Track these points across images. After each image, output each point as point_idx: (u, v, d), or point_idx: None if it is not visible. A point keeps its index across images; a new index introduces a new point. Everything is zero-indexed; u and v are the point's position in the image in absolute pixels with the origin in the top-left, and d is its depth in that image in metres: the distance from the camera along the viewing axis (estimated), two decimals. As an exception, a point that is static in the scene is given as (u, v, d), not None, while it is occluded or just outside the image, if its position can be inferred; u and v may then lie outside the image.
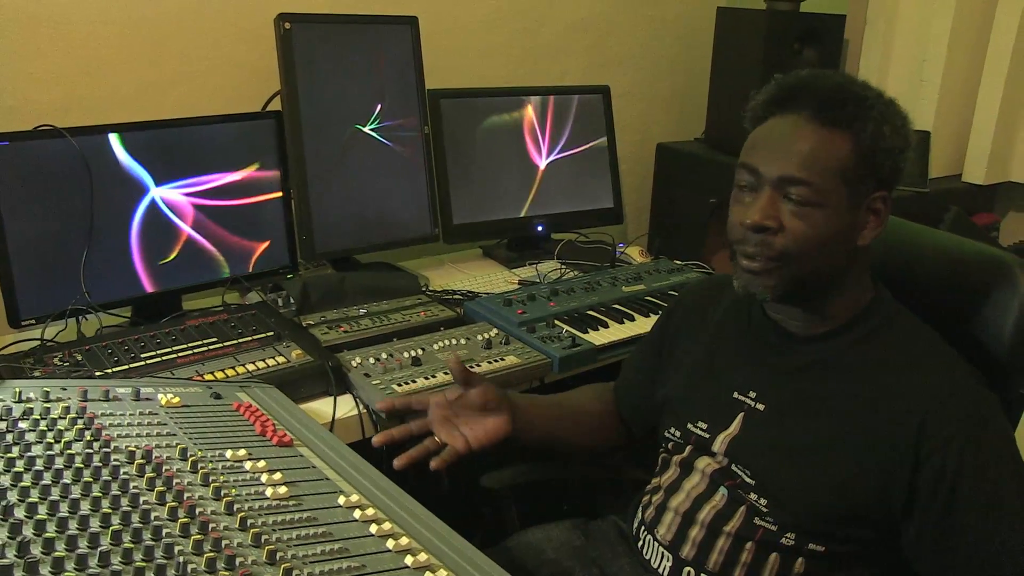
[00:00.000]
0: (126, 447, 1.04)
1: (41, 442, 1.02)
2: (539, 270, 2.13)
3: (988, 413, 1.08)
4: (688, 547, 1.21)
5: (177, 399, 1.24)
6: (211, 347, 1.52)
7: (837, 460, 1.11)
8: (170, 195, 1.72)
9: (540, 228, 2.29)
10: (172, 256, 1.73)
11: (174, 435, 1.12)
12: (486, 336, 1.69)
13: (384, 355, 1.58)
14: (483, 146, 2.19)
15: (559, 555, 1.36)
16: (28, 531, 0.82)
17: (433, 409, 1.35)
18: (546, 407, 1.45)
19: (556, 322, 1.78)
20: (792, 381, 1.19)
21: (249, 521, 0.91)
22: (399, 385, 1.48)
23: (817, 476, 1.11)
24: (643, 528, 1.30)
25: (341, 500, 1.01)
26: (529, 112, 2.25)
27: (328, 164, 1.91)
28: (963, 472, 1.04)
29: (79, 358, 1.45)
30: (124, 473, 0.97)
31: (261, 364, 1.48)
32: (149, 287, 1.71)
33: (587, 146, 2.35)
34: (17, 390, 1.16)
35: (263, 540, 0.88)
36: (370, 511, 0.99)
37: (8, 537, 0.80)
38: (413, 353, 1.59)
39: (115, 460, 1.00)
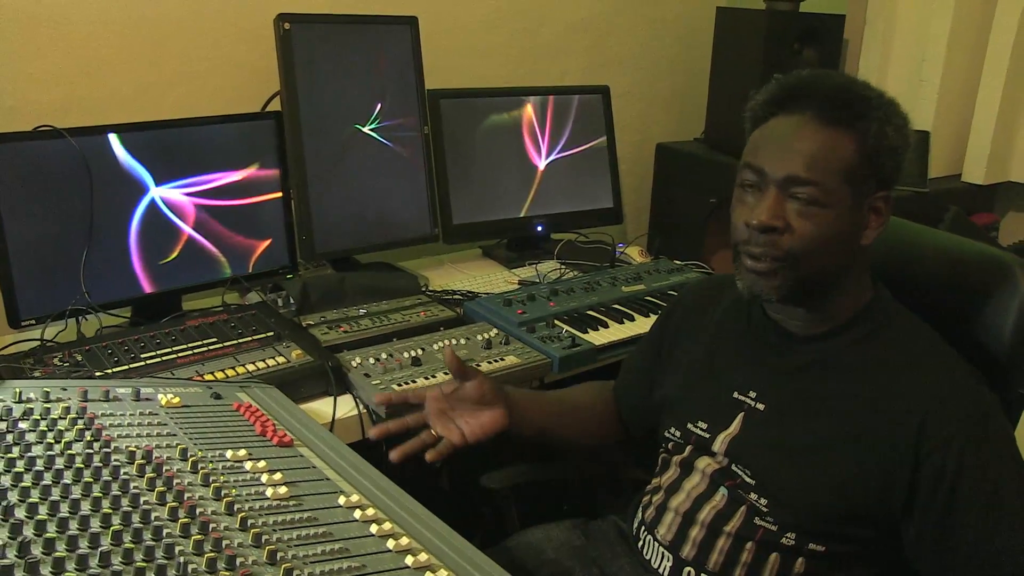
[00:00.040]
0: (126, 447, 1.05)
1: (41, 442, 1.02)
2: (539, 270, 2.13)
3: (988, 413, 1.08)
4: (688, 547, 1.21)
5: (177, 399, 1.24)
6: (211, 347, 1.52)
7: (837, 460, 1.11)
8: (170, 195, 1.72)
9: (540, 228, 2.29)
10: (172, 256, 1.73)
11: (174, 435, 1.12)
12: (486, 336, 1.69)
13: (384, 355, 1.58)
14: (483, 146, 2.19)
15: (559, 555, 1.37)
16: (29, 531, 0.82)
17: (429, 402, 1.35)
18: (543, 402, 1.45)
19: (556, 322, 1.78)
20: (792, 381, 1.19)
21: (249, 521, 0.91)
22: (399, 385, 1.49)
23: (817, 476, 1.11)
24: (643, 528, 1.30)
25: (341, 500, 1.01)
26: (529, 112, 2.25)
27: (328, 164, 1.91)
28: (963, 472, 1.04)
29: (79, 358, 1.45)
30: (124, 473, 0.97)
31: (261, 364, 1.48)
32: (149, 287, 1.71)
33: (587, 146, 2.35)
34: (17, 390, 1.16)
35: (263, 540, 0.88)
36: (370, 511, 0.99)
37: (9, 537, 0.80)
38: (413, 353, 1.60)
39: (115, 460, 1.00)
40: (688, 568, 1.20)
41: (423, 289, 1.94)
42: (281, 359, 1.50)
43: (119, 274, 1.67)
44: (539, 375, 1.64)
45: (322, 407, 1.46)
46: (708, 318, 1.35)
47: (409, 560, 0.89)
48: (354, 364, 1.54)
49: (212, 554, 0.83)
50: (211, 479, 0.99)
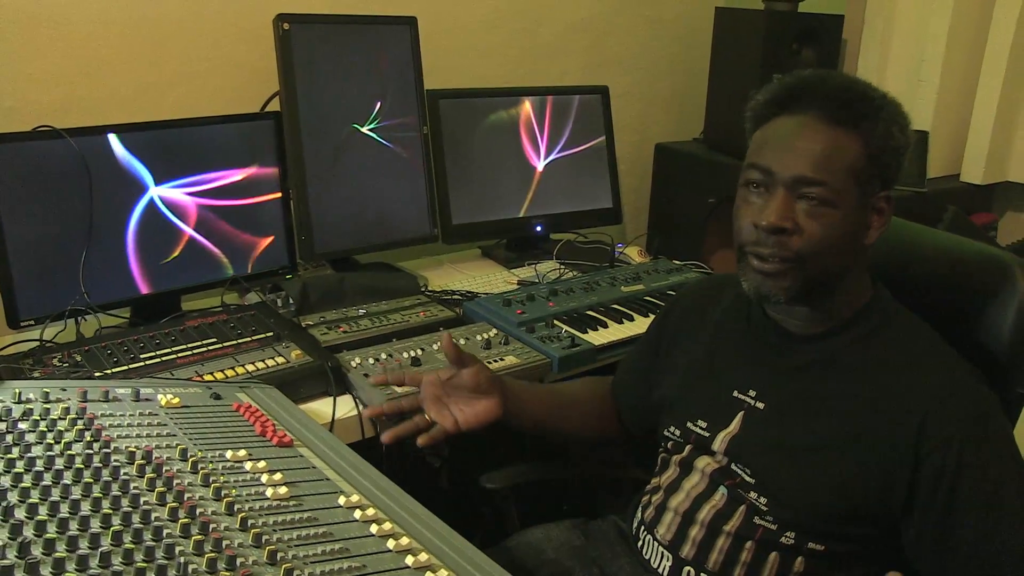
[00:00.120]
0: (126, 448, 1.05)
1: (41, 443, 1.02)
2: (538, 270, 2.13)
3: (988, 412, 1.09)
4: (688, 547, 1.21)
5: (177, 400, 1.24)
6: (210, 348, 1.52)
7: (837, 459, 1.11)
8: (169, 195, 1.71)
9: (539, 228, 2.29)
10: (171, 257, 1.73)
11: (174, 436, 1.12)
12: (485, 336, 1.69)
13: (383, 355, 1.58)
14: (482, 146, 2.19)
15: (559, 555, 1.37)
16: (29, 532, 0.82)
17: (425, 387, 1.36)
18: (540, 394, 1.46)
19: (555, 322, 1.78)
20: (792, 380, 1.19)
21: (250, 521, 0.91)
22: (399, 385, 1.48)
23: (817, 475, 1.12)
24: (643, 528, 1.30)
25: (341, 500, 1.01)
26: (528, 112, 2.25)
27: (327, 164, 1.91)
28: (963, 471, 1.04)
29: (78, 359, 1.45)
30: (124, 474, 0.97)
31: (261, 364, 1.48)
32: (148, 288, 1.71)
33: (586, 146, 2.35)
34: (17, 391, 1.16)
35: (264, 540, 0.88)
36: (370, 511, 0.99)
37: (9, 538, 0.80)
38: (412, 353, 1.60)
39: (115, 461, 1.00)
40: (688, 568, 1.20)
41: (422, 289, 1.94)
42: (281, 359, 1.50)
43: (118, 274, 1.67)
44: (539, 375, 1.64)
45: (322, 407, 1.46)
46: (707, 318, 1.36)
47: (409, 560, 0.90)
48: (354, 364, 1.54)
49: (212, 554, 0.83)
50: (211, 479, 0.99)
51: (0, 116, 1.70)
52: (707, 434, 1.24)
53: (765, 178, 1.12)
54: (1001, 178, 2.44)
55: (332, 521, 0.96)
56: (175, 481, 0.98)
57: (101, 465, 0.98)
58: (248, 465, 1.06)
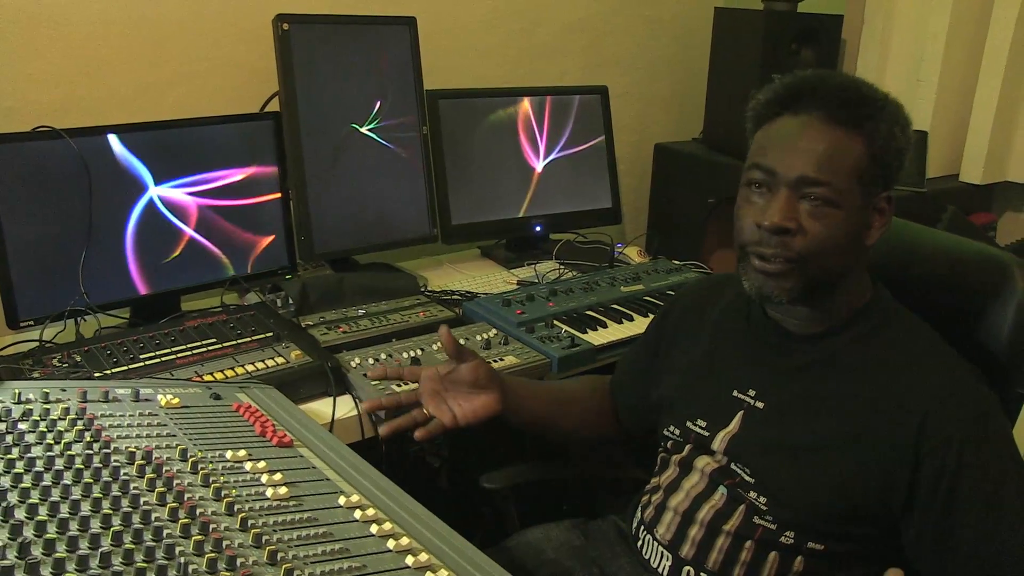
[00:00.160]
0: (126, 448, 1.05)
1: (41, 443, 1.02)
2: (537, 270, 2.13)
3: (988, 412, 1.09)
4: (687, 546, 1.21)
5: (177, 400, 1.24)
6: (210, 348, 1.52)
7: (837, 459, 1.11)
8: (168, 195, 1.71)
9: (538, 228, 2.29)
10: (171, 257, 1.73)
11: (174, 436, 1.12)
12: (485, 336, 1.69)
13: (383, 355, 1.58)
14: (481, 146, 2.19)
15: (559, 555, 1.37)
16: (29, 532, 0.82)
17: (424, 382, 1.36)
18: (539, 391, 1.46)
19: (555, 322, 1.78)
20: (792, 380, 1.19)
21: (250, 522, 0.91)
22: (398, 385, 1.48)
23: (817, 475, 1.12)
24: (642, 528, 1.30)
25: (341, 500, 1.01)
26: (527, 112, 2.26)
27: (326, 165, 1.91)
28: (963, 471, 1.04)
29: (78, 359, 1.45)
30: (124, 474, 0.97)
31: (260, 365, 1.48)
32: (148, 288, 1.71)
33: (585, 146, 2.35)
34: (16, 391, 1.16)
35: (264, 541, 0.88)
36: (370, 511, 0.99)
37: (9, 538, 0.80)
38: (412, 353, 1.60)
39: (115, 461, 1.00)
40: (687, 567, 1.20)
41: (422, 289, 1.94)
42: (280, 360, 1.50)
43: (118, 275, 1.67)
44: (538, 375, 1.64)
45: (321, 407, 1.46)
46: (706, 317, 1.36)
47: (409, 560, 0.90)
48: (353, 364, 1.54)
49: (212, 554, 0.83)
50: (211, 479, 0.99)
51: (0, 116, 1.70)
52: (707, 434, 1.24)
53: (768, 178, 1.12)
54: (1000, 178, 2.44)
55: (332, 521, 0.96)
56: (175, 481, 0.98)
57: (101, 465, 0.98)
58: (248, 465, 1.06)
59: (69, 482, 0.93)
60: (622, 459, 1.75)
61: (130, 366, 1.44)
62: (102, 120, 1.65)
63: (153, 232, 1.70)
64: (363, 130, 1.97)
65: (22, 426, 1.06)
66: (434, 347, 1.63)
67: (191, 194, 1.74)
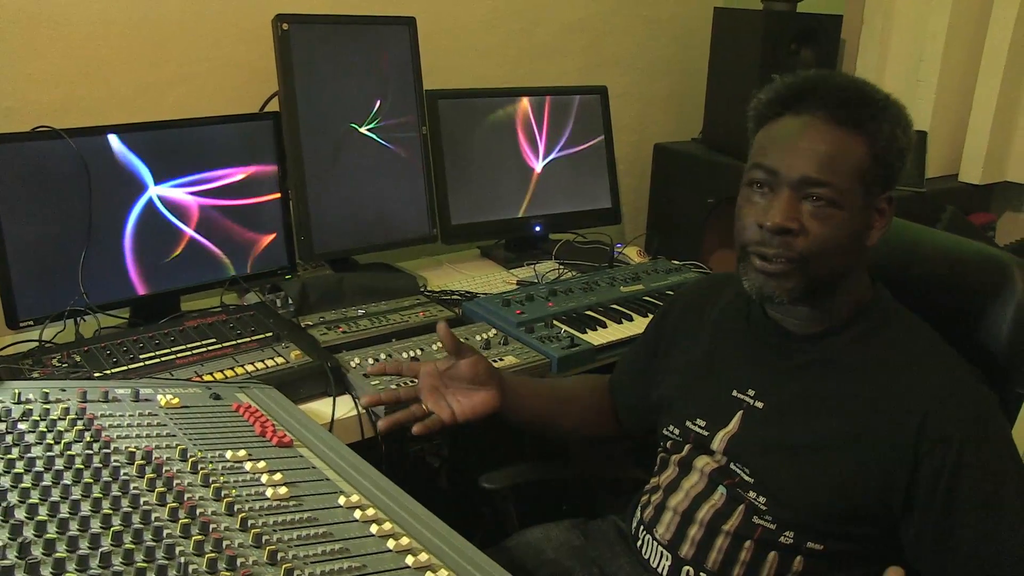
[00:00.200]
0: (126, 448, 1.05)
1: (41, 443, 1.02)
2: (537, 270, 2.13)
3: (988, 413, 1.09)
4: (687, 546, 1.21)
5: (176, 400, 1.24)
6: (210, 348, 1.52)
7: (837, 459, 1.11)
8: (168, 196, 1.72)
9: (538, 228, 2.29)
10: (171, 257, 1.73)
11: (174, 436, 1.12)
12: (485, 336, 1.69)
13: (383, 355, 1.58)
14: (481, 146, 2.19)
15: (559, 555, 1.37)
16: (29, 532, 0.82)
17: (422, 377, 1.36)
18: (538, 389, 1.46)
19: (554, 322, 1.78)
20: (792, 380, 1.19)
21: (250, 522, 0.91)
22: (398, 385, 1.48)
23: (816, 475, 1.12)
24: (642, 528, 1.30)
25: (341, 500, 1.01)
26: (527, 112, 2.26)
27: (326, 165, 1.91)
28: (962, 471, 1.04)
29: (78, 359, 1.45)
30: (124, 474, 0.97)
31: (260, 365, 1.48)
32: (147, 288, 1.71)
33: (585, 146, 2.36)
34: (16, 391, 1.16)
35: (264, 540, 0.88)
36: (370, 511, 0.99)
37: (9, 538, 0.80)
38: (412, 353, 1.60)
39: (115, 461, 1.00)
40: (687, 567, 1.20)
41: (422, 289, 1.94)
42: (280, 360, 1.50)
43: (117, 275, 1.67)
44: (538, 375, 1.64)
45: (321, 407, 1.46)
46: (706, 317, 1.36)
47: (409, 560, 0.90)
48: (353, 364, 1.54)
49: (213, 554, 0.83)
50: (211, 479, 0.99)
51: (0, 116, 1.70)
52: (706, 433, 1.24)
53: (770, 178, 1.12)
54: (999, 178, 2.44)
55: (332, 521, 0.96)
56: (175, 481, 0.98)
57: (101, 465, 0.98)
58: (248, 465, 1.06)
59: (69, 482, 0.93)
60: (622, 459, 1.75)
61: (130, 366, 1.44)
62: (102, 120, 1.65)
63: (153, 232, 1.70)
64: (363, 130, 1.97)
65: (22, 426, 1.06)
66: (434, 347, 1.63)
67: (191, 194, 1.74)
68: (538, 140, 2.28)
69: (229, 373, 1.44)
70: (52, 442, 1.03)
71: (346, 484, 1.06)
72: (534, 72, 2.49)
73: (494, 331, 1.72)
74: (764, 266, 1.13)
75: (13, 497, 0.88)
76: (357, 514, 0.98)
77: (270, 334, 1.59)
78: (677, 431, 1.29)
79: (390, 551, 0.92)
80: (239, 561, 0.83)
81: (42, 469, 0.95)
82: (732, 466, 1.20)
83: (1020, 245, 2.30)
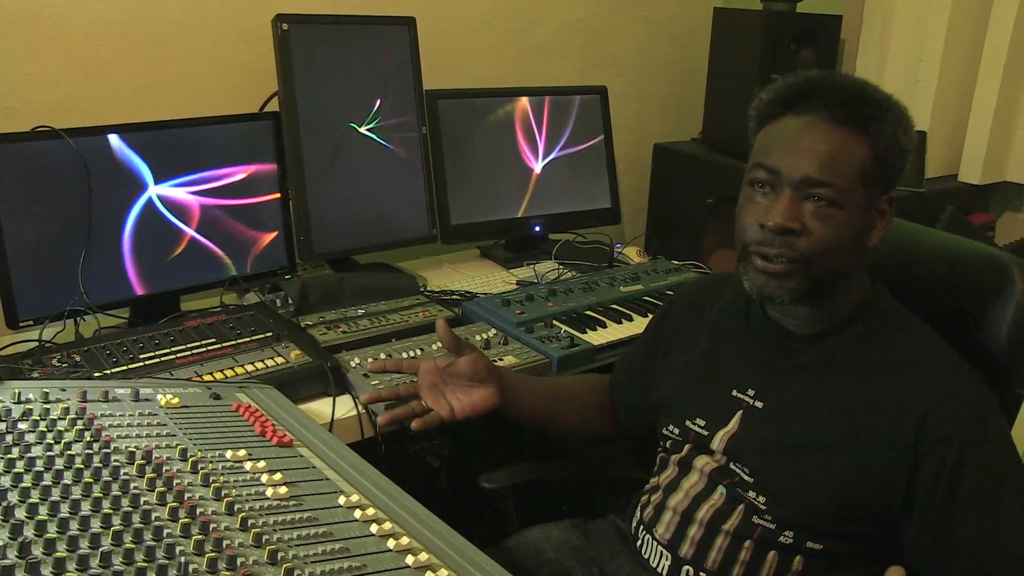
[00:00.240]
0: (126, 448, 1.05)
1: (41, 443, 1.02)
2: (537, 270, 2.13)
3: (988, 413, 1.09)
4: (687, 546, 1.21)
5: (176, 400, 1.24)
6: (210, 348, 1.52)
7: (836, 459, 1.11)
8: (168, 194, 1.72)
9: (538, 228, 2.29)
10: (171, 257, 1.73)
11: (174, 436, 1.12)
12: (484, 336, 1.69)
13: (383, 355, 1.58)
14: (481, 146, 2.19)
15: (559, 555, 1.37)
16: (29, 532, 0.82)
17: (422, 374, 1.37)
18: (538, 387, 1.47)
19: (554, 322, 1.78)
20: (791, 379, 1.19)
21: (250, 521, 0.91)
22: (397, 385, 1.48)
23: (816, 475, 1.12)
24: (642, 527, 1.30)
25: (341, 500, 1.01)
26: (526, 112, 2.26)
27: (326, 165, 1.91)
28: (962, 471, 1.04)
29: (78, 359, 1.45)
30: (124, 474, 0.97)
31: (260, 365, 1.48)
32: (147, 288, 1.71)
33: (584, 146, 2.36)
34: (16, 391, 1.16)
35: (264, 540, 0.88)
36: (370, 511, 0.99)
37: (9, 538, 0.80)
38: (412, 353, 1.60)
39: (115, 461, 1.00)
40: (687, 567, 1.20)
41: (421, 289, 1.94)
42: (280, 359, 1.50)
43: (117, 275, 1.67)
44: (538, 375, 1.64)
45: (321, 407, 1.46)
46: (706, 317, 1.36)
47: (409, 559, 0.90)
48: (353, 364, 1.54)
49: (213, 554, 0.83)
50: (211, 479, 0.99)
51: (0, 116, 1.70)
52: (706, 433, 1.24)
53: (771, 178, 1.12)
54: (999, 178, 2.45)
55: (332, 521, 0.96)
56: (175, 481, 0.98)
57: (101, 465, 0.98)
58: (248, 465, 1.06)
59: (69, 482, 0.93)
60: (622, 459, 1.75)
61: (130, 366, 1.44)
62: (102, 120, 1.65)
63: (152, 232, 1.70)
64: (362, 130, 1.97)
65: (22, 426, 1.06)
66: (434, 347, 1.63)
67: (191, 193, 1.74)
68: (538, 140, 2.28)
69: (229, 373, 1.44)
70: (52, 442, 1.03)
71: (346, 484, 1.06)
72: (534, 72, 2.49)
73: (494, 331, 1.73)
74: (765, 266, 1.13)
75: (13, 497, 0.88)
76: (357, 514, 0.98)
77: (270, 334, 1.59)
78: (677, 431, 1.29)
79: (390, 551, 0.92)
80: (239, 561, 0.83)
81: (42, 469, 0.95)
82: (732, 466, 1.20)
83: (1020, 245, 2.30)
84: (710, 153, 2.54)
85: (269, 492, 0.99)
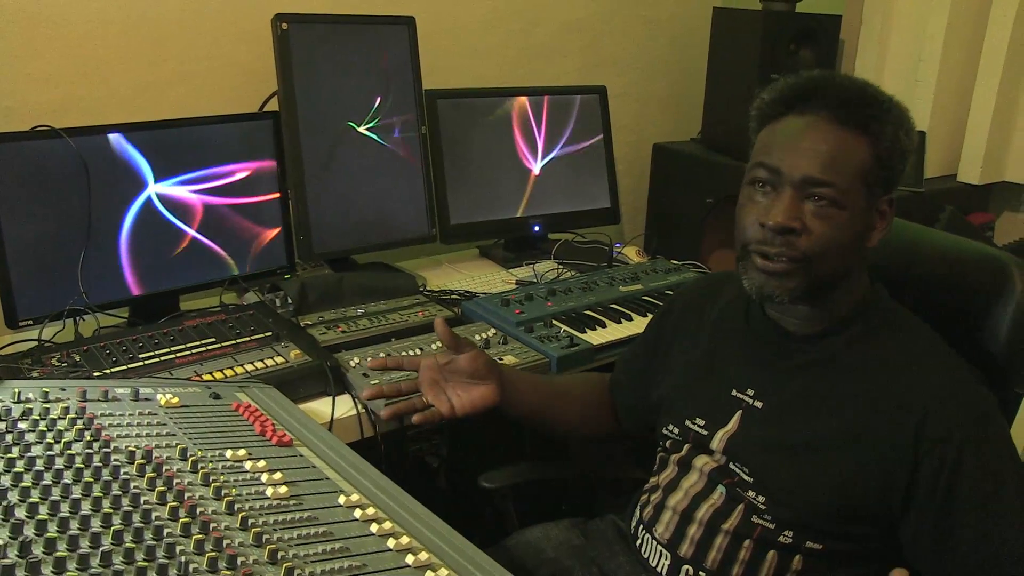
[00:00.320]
0: (126, 447, 1.05)
1: (41, 442, 1.02)
2: (536, 270, 2.13)
3: (988, 413, 1.09)
4: (686, 545, 1.21)
5: (176, 399, 1.24)
6: (209, 347, 1.52)
7: (836, 459, 1.11)
8: (168, 196, 1.71)
9: (537, 228, 2.30)
10: (170, 256, 1.73)
11: (174, 435, 1.12)
12: (484, 336, 1.69)
13: (382, 355, 1.58)
14: (480, 146, 2.19)
15: (558, 554, 1.37)
16: (30, 531, 0.82)
17: (423, 371, 1.38)
18: (538, 384, 1.47)
19: (554, 322, 1.78)
20: (791, 379, 1.19)
21: (250, 521, 0.91)
22: (398, 381, 1.48)
23: (816, 474, 1.12)
24: (641, 527, 1.30)
25: (341, 499, 1.01)
26: (526, 112, 2.26)
27: (325, 164, 1.91)
28: (962, 471, 1.04)
29: (77, 359, 1.45)
30: (124, 473, 0.97)
31: (259, 364, 1.48)
32: (146, 287, 1.71)
33: (584, 146, 2.36)
34: (16, 391, 1.16)
35: (264, 540, 0.88)
36: (370, 510, 0.99)
37: (10, 537, 0.80)
38: (411, 353, 1.60)
39: (115, 460, 1.00)
40: (686, 566, 1.20)
41: (421, 289, 1.94)
42: (279, 359, 1.50)
43: (117, 274, 1.67)
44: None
45: (321, 407, 1.46)
46: (705, 317, 1.36)
47: (409, 559, 0.90)
48: (352, 364, 1.54)
49: (213, 553, 0.83)
50: (211, 479, 0.99)
51: (-1, 116, 1.70)
52: (705, 433, 1.24)
53: (772, 177, 1.12)
54: (998, 178, 2.45)
55: (332, 520, 0.96)
56: (175, 480, 0.98)
57: (101, 465, 0.98)
58: (248, 464, 1.06)
59: (69, 481, 0.93)
60: (622, 459, 1.75)
61: (129, 365, 1.44)
62: (101, 120, 1.65)
63: (152, 231, 1.70)
64: (362, 130, 1.97)
65: (22, 425, 1.06)
66: (433, 347, 1.63)
67: (191, 192, 1.74)
68: (537, 140, 2.28)
69: (228, 372, 1.44)
70: (52, 441, 1.03)
71: (346, 483, 1.06)
72: (533, 72, 2.49)
73: (493, 331, 1.73)
74: (765, 265, 1.13)
75: (13, 496, 0.88)
76: (357, 513, 0.98)
77: (269, 334, 1.59)
78: (676, 430, 1.30)
79: (390, 550, 0.92)
80: (239, 560, 0.83)
81: (42, 468, 0.95)
82: (731, 465, 1.20)
83: (1019, 245, 2.31)
84: (709, 153, 2.55)
85: (269, 491, 0.99)
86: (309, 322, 1.71)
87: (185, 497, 0.94)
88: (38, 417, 1.09)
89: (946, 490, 1.05)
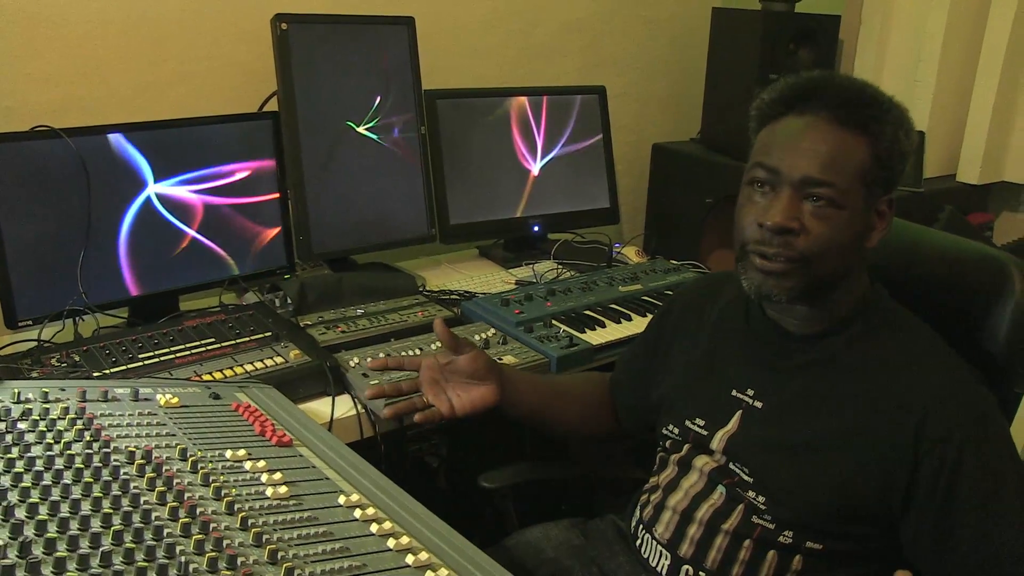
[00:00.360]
0: (126, 447, 1.05)
1: (41, 443, 1.02)
2: (536, 270, 2.13)
3: (988, 413, 1.09)
4: (686, 545, 1.21)
5: (176, 399, 1.24)
6: (209, 348, 1.52)
7: (836, 458, 1.11)
8: (167, 196, 1.71)
9: (536, 228, 2.30)
10: (169, 256, 1.73)
11: (173, 435, 1.12)
12: (484, 336, 1.69)
13: (381, 355, 1.58)
14: (480, 146, 2.19)
15: (558, 554, 1.37)
16: (29, 531, 0.82)
17: (423, 370, 1.38)
18: (537, 384, 1.47)
19: (553, 322, 1.78)
20: (791, 379, 1.19)
21: (250, 521, 0.91)
22: (399, 381, 1.48)
23: (816, 474, 1.12)
24: (641, 527, 1.30)
25: (341, 500, 1.01)
26: (525, 112, 2.26)
27: (325, 164, 1.91)
28: (962, 471, 1.04)
29: (77, 359, 1.45)
30: (124, 473, 0.97)
31: (259, 364, 1.48)
32: (146, 287, 1.71)
33: (583, 146, 2.36)
34: (16, 391, 1.16)
35: (264, 540, 0.88)
36: (370, 510, 0.99)
37: (10, 537, 0.80)
38: (411, 353, 1.60)
39: (115, 460, 1.00)
40: (686, 566, 1.21)
41: (420, 289, 1.94)
42: (279, 359, 1.50)
43: (116, 275, 1.67)
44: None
45: (320, 407, 1.46)
46: (705, 317, 1.36)
47: (409, 559, 0.90)
48: (352, 364, 1.54)
49: (213, 554, 0.83)
50: (211, 479, 0.99)
51: (-2, 116, 1.70)
52: (705, 433, 1.25)
53: (771, 177, 1.12)
54: (997, 178, 2.45)
55: (332, 520, 0.96)
56: (175, 481, 0.98)
57: (101, 465, 0.98)
58: (248, 465, 1.06)
59: (69, 481, 0.93)
60: (622, 459, 1.75)
61: (129, 366, 1.44)
62: (101, 120, 1.65)
63: (151, 232, 1.70)
64: (361, 130, 1.97)
65: (22, 425, 1.06)
66: (433, 347, 1.63)
67: (191, 192, 1.74)
68: (536, 140, 2.28)
69: (228, 373, 1.44)
70: (52, 441, 1.03)
71: (346, 483, 1.06)
72: (533, 72, 2.49)
73: (493, 331, 1.73)
74: (764, 265, 1.13)
75: (13, 496, 0.88)
76: (357, 513, 0.98)
77: (269, 334, 1.59)
78: (676, 430, 1.30)
79: (390, 550, 0.92)
80: (239, 560, 0.83)
81: (42, 468, 0.95)
82: (731, 465, 1.20)
83: (1018, 245, 2.31)
84: (709, 153, 2.54)
85: (269, 492, 0.99)
86: (309, 322, 1.71)
87: (185, 497, 0.94)
88: (38, 417, 1.09)
89: (946, 490, 1.05)
